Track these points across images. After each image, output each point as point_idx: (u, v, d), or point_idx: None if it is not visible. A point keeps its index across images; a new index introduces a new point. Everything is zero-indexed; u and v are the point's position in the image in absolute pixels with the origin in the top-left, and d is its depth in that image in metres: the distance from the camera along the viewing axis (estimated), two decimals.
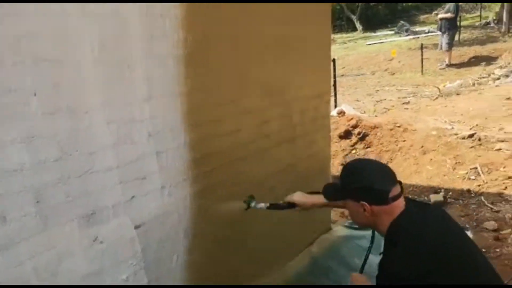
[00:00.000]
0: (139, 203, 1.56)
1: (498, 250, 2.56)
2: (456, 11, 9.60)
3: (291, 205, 1.87)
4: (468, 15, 17.78)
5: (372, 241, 1.64)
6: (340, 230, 3.00)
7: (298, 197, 1.86)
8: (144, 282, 1.62)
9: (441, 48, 9.81)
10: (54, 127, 1.26)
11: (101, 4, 1.33)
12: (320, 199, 1.76)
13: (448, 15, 9.50)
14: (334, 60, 6.12)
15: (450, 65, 9.38)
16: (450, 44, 9.44)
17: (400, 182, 1.40)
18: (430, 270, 1.22)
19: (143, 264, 1.60)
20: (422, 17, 21.08)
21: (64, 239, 1.33)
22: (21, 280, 1.23)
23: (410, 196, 1.28)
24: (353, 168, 1.46)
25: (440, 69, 9.32)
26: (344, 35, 19.25)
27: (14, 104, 1.16)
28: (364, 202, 1.36)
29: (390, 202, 1.35)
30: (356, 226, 3.01)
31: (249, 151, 2.08)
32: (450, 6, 9.56)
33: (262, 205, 1.95)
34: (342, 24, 21.32)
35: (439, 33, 12.97)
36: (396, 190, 1.36)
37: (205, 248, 1.87)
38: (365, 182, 1.37)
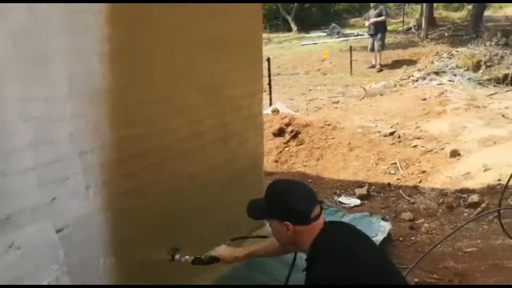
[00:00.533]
0: (61, 205, 1.49)
1: (413, 238, 2.81)
2: (386, 14, 10.19)
3: (215, 259, 1.86)
4: (392, 20, 19.04)
5: (294, 260, 1.72)
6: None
7: (221, 251, 1.87)
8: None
9: (372, 50, 10.10)
10: None
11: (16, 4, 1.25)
12: (243, 251, 1.87)
13: (382, 18, 9.92)
14: (269, 59, 6.27)
15: (382, 65, 9.82)
16: (383, 45, 9.95)
17: (320, 202, 1.51)
18: (353, 277, 1.32)
19: (66, 269, 1.53)
20: (352, 20, 22.19)
21: None
22: None
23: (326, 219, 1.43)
24: (278, 190, 1.55)
25: (377, 71, 9.64)
26: (280, 34, 19.66)
27: None
28: (288, 222, 1.45)
29: (311, 222, 1.45)
30: None
31: (181, 150, 2.07)
32: (382, 9, 10.05)
33: (187, 257, 1.91)
34: (278, 24, 21.74)
35: (367, 36, 13.78)
36: (316, 210, 1.47)
37: (134, 249, 1.83)
38: (289, 204, 1.46)
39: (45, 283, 1.47)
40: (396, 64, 9.91)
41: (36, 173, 1.39)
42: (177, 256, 1.92)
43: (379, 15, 9.90)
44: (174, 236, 2.07)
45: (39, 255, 1.43)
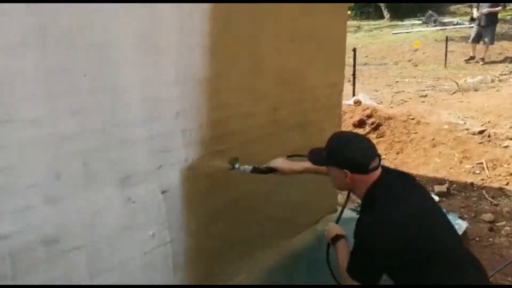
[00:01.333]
0: (166, 172, 1.81)
1: (491, 239, 2.74)
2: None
3: (272, 170, 2.03)
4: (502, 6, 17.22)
5: (347, 199, 1.92)
6: (345, 212, 3.21)
7: (279, 163, 2.03)
8: (167, 240, 1.88)
9: (475, 41, 9.16)
10: (99, 102, 1.51)
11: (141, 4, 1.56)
12: (299, 165, 2.01)
13: (499, 8, 9.00)
14: (354, 50, 6.23)
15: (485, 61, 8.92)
16: (493, 39, 9.04)
17: (379, 155, 1.63)
18: (400, 248, 1.44)
19: (167, 224, 1.87)
20: (453, 7, 20.49)
21: (104, 197, 1.60)
22: (66, 229, 1.51)
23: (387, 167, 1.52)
24: (340, 140, 1.68)
25: (481, 64, 8.82)
26: (371, 22, 18.93)
27: (67, 82, 1.42)
28: (347, 170, 1.58)
29: (369, 172, 1.57)
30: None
31: (261, 134, 2.30)
32: None
33: (246, 167, 2.07)
34: (369, 11, 20.94)
35: (468, 25, 12.68)
36: (375, 162, 1.59)
37: (220, 214, 2.12)
38: (350, 154, 1.59)
39: (150, 233, 1.81)
40: (499, 58, 9.09)
41: (148, 144, 1.72)
42: (236, 165, 2.07)
43: (495, 4, 8.93)
44: (249, 208, 2.33)
45: (147, 210, 1.77)
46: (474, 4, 10.35)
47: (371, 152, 1.61)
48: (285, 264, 2.55)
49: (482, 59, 8.90)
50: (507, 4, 9.51)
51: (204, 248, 2.07)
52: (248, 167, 2.06)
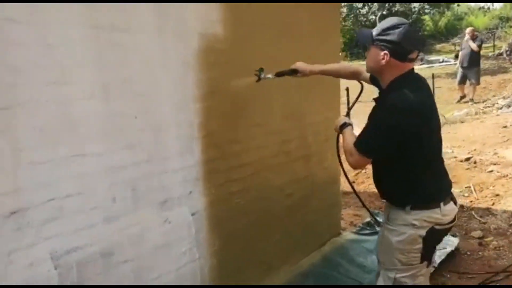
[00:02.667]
0: (194, 197, 2.15)
1: (480, 253, 3.04)
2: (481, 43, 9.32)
3: (294, 71, 2.22)
4: (483, 45, 18.17)
5: (361, 91, 2.20)
6: (348, 235, 3.52)
7: (300, 64, 2.22)
8: (196, 257, 2.19)
9: (462, 83, 9.13)
10: (145, 139, 1.88)
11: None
12: (317, 68, 2.21)
13: (477, 47, 8.88)
14: (347, 89, 6.69)
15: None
16: (479, 78, 9.05)
17: (419, 49, 1.77)
18: (417, 107, 1.63)
19: (195, 242, 2.18)
20: (438, 46, 21.56)
21: (147, 218, 1.93)
22: (119, 244, 1.82)
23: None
24: (395, 23, 1.69)
25: (471, 104, 8.54)
26: (361, 62, 19.80)
27: (122, 123, 1.79)
28: (387, 52, 1.66)
29: (406, 61, 1.69)
30: (364, 232, 3.54)
31: (272, 164, 2.66)
32: (481, 38, 9.36)
33: (269, 75, 2.24)
34: (359, 52, 21.93)
35: (452, 62, 13.40)
36: (415, 54, 1.71)
37: (236, 235, 2.43)
38: (398, 38, 1.65)
39: (183, 250, 2.12)
40: (483, 92, 9.65)
41: (181, 173, 2.08)
42: (262, 75, 2.23)
43: (478, 45, 9.00)
44: (264, 230, 2.64)
45: (180, 229, 2.09)
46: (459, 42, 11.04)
47: (417, 43, 1.74)
48: (297, 280, 2.82)
49: (471, 99, 8.89)
50: (482, 43, 9.58)
51: (225, 265, 2.36)
52: (272, 75, 2.24)
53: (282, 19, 2.63)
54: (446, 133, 5.90)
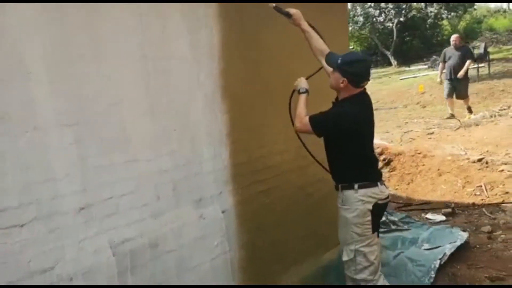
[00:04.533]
0: (224, 197, 2.49)
1: (489, 246, 3.25)
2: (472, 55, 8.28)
3: (289, 14, 2.45)
4: (504, 47, 18.01)
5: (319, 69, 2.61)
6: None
7: (296, 12, 2.46)
8: (226, 249, 2.51)
9: (450, 97, 8.08)
10: (184, 147, 2.23)
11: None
12: (306, 26, 2.47)
13: (467, 64, 7.81)
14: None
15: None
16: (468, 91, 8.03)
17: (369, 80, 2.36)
18: (352, 118, 2.28)
19: (226, 237, 2.51)
20: None
21: (186, 214, 2.28)
22: (163, 236, 2.17)
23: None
24: (357, 59, 2.36)
25: (468, 113, 7.83)
26: (379, 70, 19.87)
27: (166, 135, 2.15)
28: (346, 79, 2.25)
29: (358, 88, 2.30)
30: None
31: (293, 167, 2.98)
32: (468, 49, 8.33)
33: (272, 4, 2.45)
34: (377, 60, 22.03)
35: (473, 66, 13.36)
36: (366, 83, 2.34)
37: (264, 232, 2.74)
38: (356, 71, 2.27)
39: (215, 243, 2.45)
40: (501, 94, 9.70)
41: (213, 175, 2.42)
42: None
43: (463, 56, 7.87)
44: (288, 226, 2.94)
45: (213, 224, 2.42)
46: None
47: (368, 76, 2.34)
48: (317, 275, 3.10)
49: (469, 108, 7.97)
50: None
51: (253, 257, 2.68)
52: (273, 4, 2.46)
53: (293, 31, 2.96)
54: (461, 136, 6.10)
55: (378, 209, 2.38)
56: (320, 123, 2.33)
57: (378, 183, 2.37)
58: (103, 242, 1.92)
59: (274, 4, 2.48)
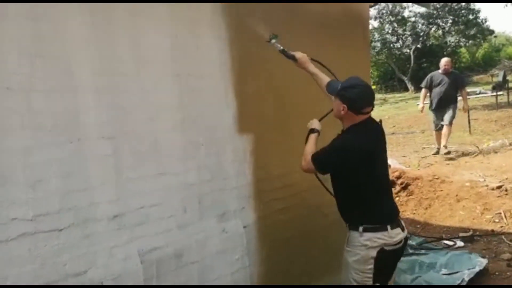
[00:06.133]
0: (247, 212, 2.57)
1: (509, 273, 3.23)
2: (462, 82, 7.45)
3: (294, 57, 2.44)
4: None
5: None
6: None
7: (301, 55, 2.44)
8: (247, 264, 2.57)
9: (440, 129, 7.05)
10: (210, 162, 2.34)
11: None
12: (313, 68, 2.43)
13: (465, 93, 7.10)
14: (380, 121, 7.01)
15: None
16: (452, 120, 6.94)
17: (373, 105, 2.21)
18: (359, 148, 2.09)
19: (246, 251, 2.58)
20: (476, 78, 21.37)
21: (209, 227, 2.36)
22: (188, 247, 2.25)
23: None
24: (353, 84, 2.16)
25: (445, 153, 6.83)
26: (396, 95, 19.92)
27: (193, 150, 2.26)
28: (345, 105, 2.12)
29: (359, 114, 2.14)
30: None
31: (310, 186, 3.03)
32: (459, 76, 7.70)
33: (278, 46, 2.45)
34: (394, 85, 22.10)
35: (489, 94, 13.29)
36: (368, 109, 2.16)
37: (283, 248, 2.80)
38: (354, 96, 2.12)
39: (236, 257, 2.52)
40: None
41: (236, 191, 2.51)
42: (272, 41, 2.45)
43: (454, 84, 7.00)
44: (305, 244, 2.98)
45: (234, 239, 2.50)
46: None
47: (370, 101, 2.17)
48: None
49: (445, 147, 6.93)
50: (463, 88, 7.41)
51: (272, 273, 2.73)
52: (280, 47, 2.45)
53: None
54: (479, 162, 6.07)
55: (387, 256, 2.10)
56: (323, 161, 2.18)
57: (389, 226, 2.10)
58: (132, 250, 2.01)
59: (280, 48, 2.48)
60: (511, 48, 24.49)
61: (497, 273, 3.25)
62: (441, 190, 5.03)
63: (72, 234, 1.79)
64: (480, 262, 3.31)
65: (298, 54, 2.45)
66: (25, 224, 1.63)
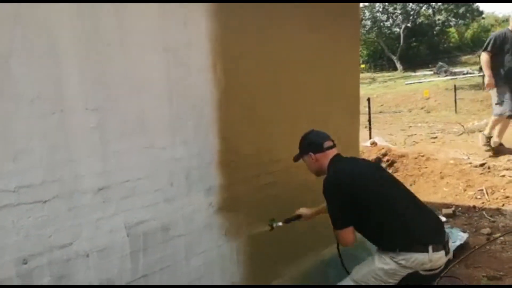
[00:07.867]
0: (234, 187, 2.57)
1: (488, 247, 3.34)
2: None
3: (299, 216, 2.64)
4: None
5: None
6: None
7: (303, 210, 2.63)
8: (233, 238, 2.60)
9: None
10: (197, 137, 2.32)
11: None
12: (315, 210, 2.58)
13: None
14: (369, 99, 7.07)
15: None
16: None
17: (332, 140, 2.30)
18: (348, 181, 2.06)
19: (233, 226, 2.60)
20: (464, 58, 21.51)
21: (197, 201, 2.36)
22: (174, 221, 2.25)
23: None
24: (303, 135, 2.37)
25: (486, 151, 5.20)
26: (385, 74, 19.98)
27: (181, 125, 2.24)
28: (311, 153, 2.25)
29: (325, 150, 2.24)
30: None
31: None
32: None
33: (280, 223, 2.65)
34: (383, 64, 22.13)
35: (476, 74, 13.43)
36: (329, 143, 2.27)
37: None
38: (309, 140, 2.30)
39: (222, 232, 2.54)
40: None
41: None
42: (274, 225, 2.65)
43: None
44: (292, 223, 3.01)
45: (221, 213, 2.51)
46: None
47: (324, 136, 2.31)
48: (319, 267, 3.18)
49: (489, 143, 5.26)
50: None
51: (256, 249, 2.75)
52: (283, 222, 2.64)
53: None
54: (464, 141, 6.17)
55: (420, 279, 1.91)
56: (341, 216, 2.06)
57: (430, 247, 1.84)
58: (118, 223, 2.01)
59: (284, 222, 2.64)
60: (499, 28, 24.56)
61: (476, 246, 3.35)
62: (426, 167, 5.11)
63: (56, 206, 1.77)
64: (461, 236, 3.40)
65: (300, 211, 2.62)
66: (8, 195, 1.61)
